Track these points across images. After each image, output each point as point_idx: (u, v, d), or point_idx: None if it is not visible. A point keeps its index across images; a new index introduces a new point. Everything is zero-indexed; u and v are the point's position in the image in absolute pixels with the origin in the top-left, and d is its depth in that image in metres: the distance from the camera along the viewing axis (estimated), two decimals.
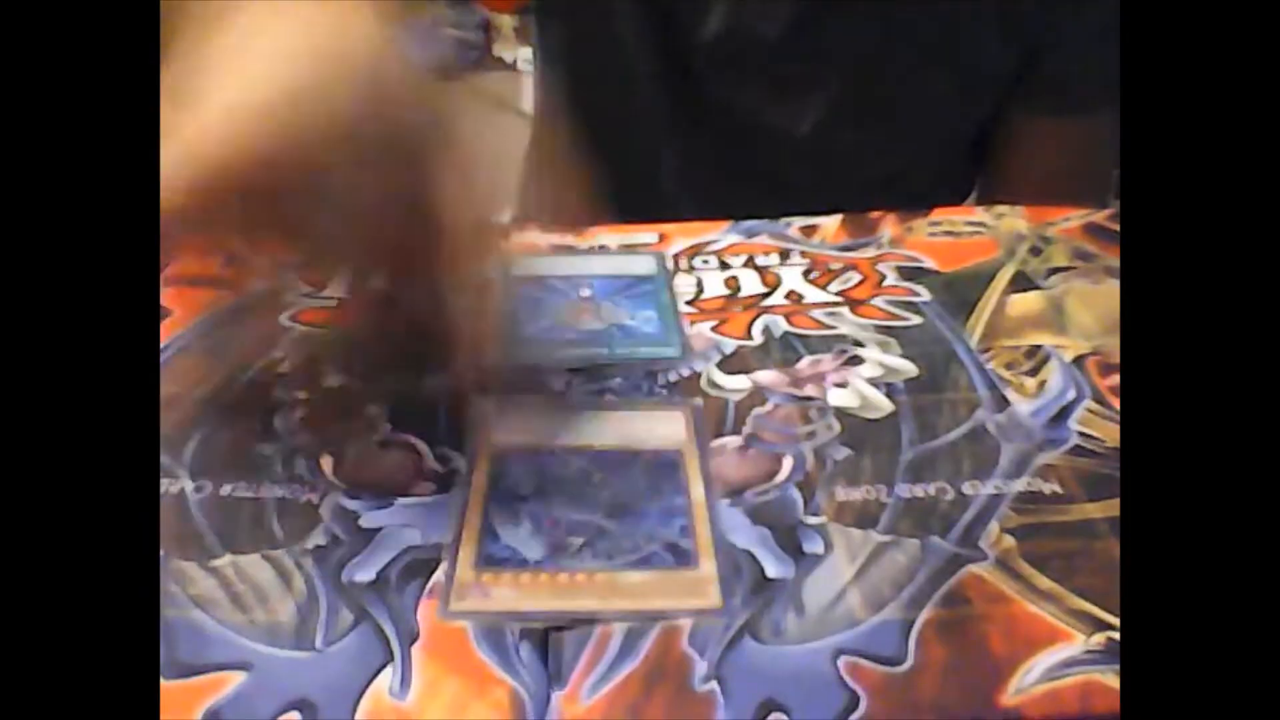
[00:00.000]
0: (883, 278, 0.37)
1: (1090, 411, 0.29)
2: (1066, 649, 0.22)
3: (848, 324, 0.34)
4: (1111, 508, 0.26)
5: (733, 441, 0.29)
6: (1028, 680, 0.22)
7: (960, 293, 0.36)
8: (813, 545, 0.25)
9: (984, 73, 0.53)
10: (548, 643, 0.23)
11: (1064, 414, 0.29)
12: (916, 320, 0.34)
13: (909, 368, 0.32)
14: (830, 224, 0.41)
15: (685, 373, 0.32)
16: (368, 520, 0.26)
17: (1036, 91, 0.54)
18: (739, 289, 0.37)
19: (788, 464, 0.28)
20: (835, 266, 0.38)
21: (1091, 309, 0.34)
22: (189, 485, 0.27)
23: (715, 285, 0.37)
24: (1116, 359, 0.32)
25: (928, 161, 0.57)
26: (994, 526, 0.25)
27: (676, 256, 0.39)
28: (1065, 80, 0.53)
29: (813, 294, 0.36)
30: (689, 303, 0.36)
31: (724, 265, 0.39)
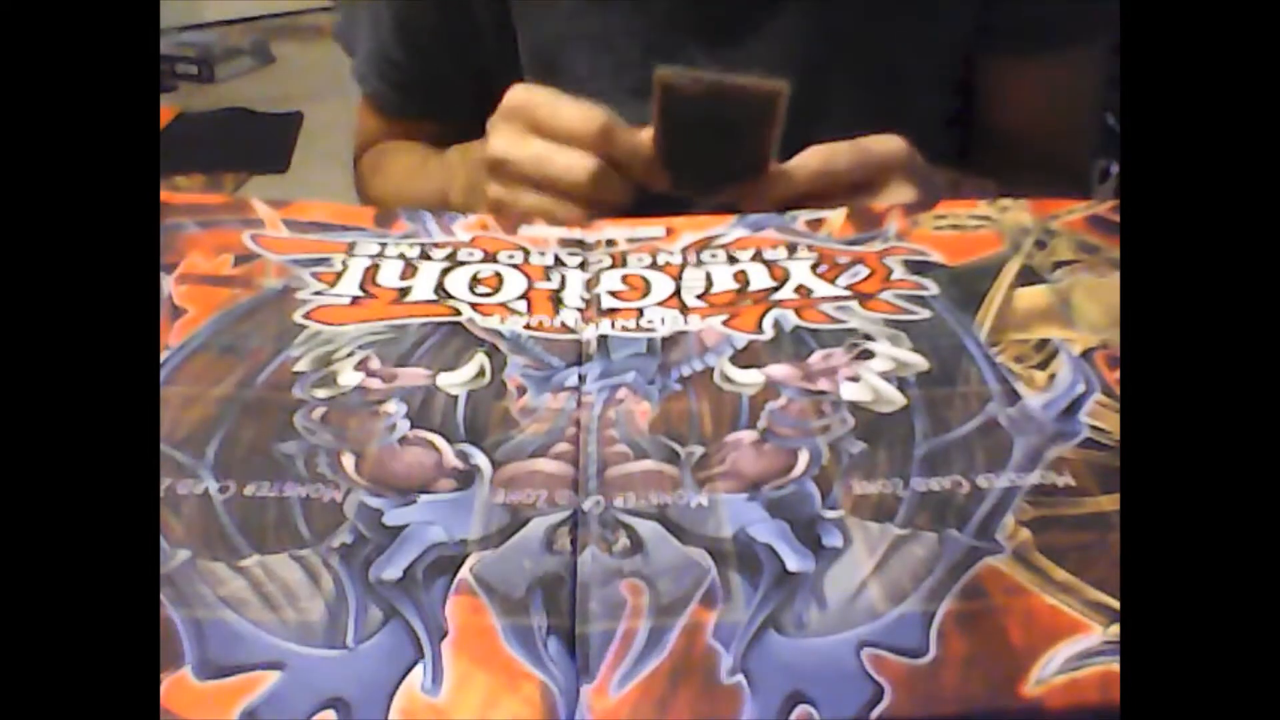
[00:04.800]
0: (890, 271, 0.38)
1: (1100, 404, 0.30)
2: (1085, 640, 0.23)
3: (857, 318, 0.35)
4: None
5: (748, 436, 0.29)
6: (1047, 671, 0.22)
7: (967, 286, 0.36)
8: (831, 539, 0.26)
9: (945, 21, 0.53)
10: (574, 637, 0.23)
11: (1074, 407, 0.30)
12: (925, 314, 0.35)
13: (920, 361, 0.32)
14: (836, 217, 0.42)
15: (699, 367, 0.32)
16: (391, 518, 0.26)
17: (1001, 34, 0.54)
18: (748, 283, 0.37)
19: (803, 458, 0.28)
20: (843, 260, 0.38)
21: (1098, 302, 0.35)
22: (213, 485, 0.27)
23: (724, 279, 0.38)
24: None
25: (905, 122, 0.58)
26: (1009, 519, 0.26)
27: (685, 250, 0.40)
28: (1028, 19, 0.53)
29: (821, 288, 0.37)
30: (698, 296, 0.37)
31: (732, 259, 0.39)
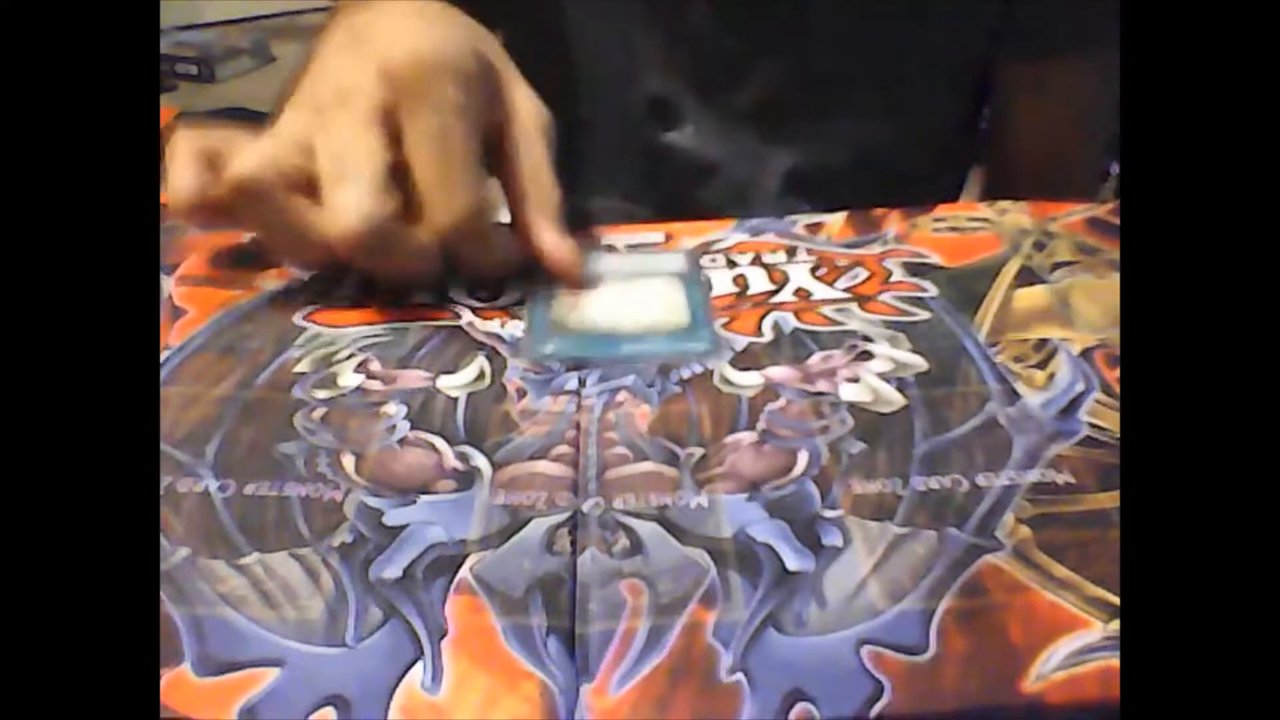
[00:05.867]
0: (889, 274, 0.38)
1: (1099, 403, 0.30)
2: (1085, 636, 0.23)
3: (856, 320, 0.35)
4: None
5: (747, 437, 0.29)
6: (1048, 667, 0.22)
7: (967, 288, 0.36)
8: (831, 538, 0.26)
9: (955, 25, 0.54)
10: (574, 637, 0.23)
11: (1074, 406, 0.30)
12: (924, 315, 0.35)
13: (919, 362, 0.32)
14: (835, 221, 0.42)
15: (698, 369, 0.33)
16: (391, 518, 0.26)
17: (1012, 39, 0.54)
18: (747, 286, 0.37)
19: (803, 458, 0.28)
20: (842, 263, 0.38)
21: (1097, 302, 0.35)
22: (213, 484, 0.27)
23: (724, 283, 0.38)
24: None
25: (922, 130, 0.58)
26: (1009, 517, 0.26)
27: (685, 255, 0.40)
28: (1039, 24, 0.54)
29: (821, 291, 0.37)
30: None
31: (731, 263, 0.39)
